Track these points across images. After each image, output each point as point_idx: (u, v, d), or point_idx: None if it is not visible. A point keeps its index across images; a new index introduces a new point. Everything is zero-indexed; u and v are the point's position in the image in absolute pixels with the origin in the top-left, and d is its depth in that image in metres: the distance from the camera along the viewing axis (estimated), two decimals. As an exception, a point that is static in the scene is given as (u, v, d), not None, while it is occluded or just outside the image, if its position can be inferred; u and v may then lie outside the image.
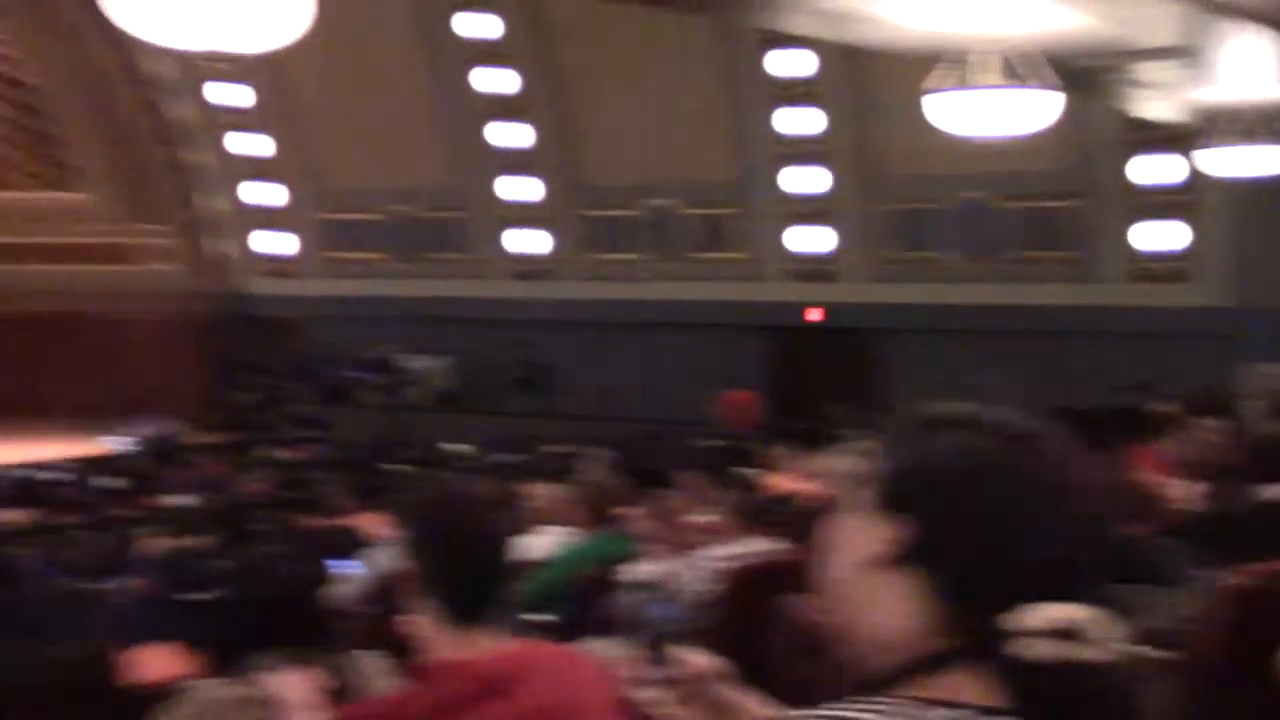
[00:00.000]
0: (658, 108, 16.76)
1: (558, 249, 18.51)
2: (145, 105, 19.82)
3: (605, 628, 3.55)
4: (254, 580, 2.69)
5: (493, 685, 1.98)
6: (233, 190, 20.31)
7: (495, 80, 17.88)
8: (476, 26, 17.55)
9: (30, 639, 1.81)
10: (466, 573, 2.05)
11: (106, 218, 20.44)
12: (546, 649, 2.17)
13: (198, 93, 19.51)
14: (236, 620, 2.66)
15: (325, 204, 19.81)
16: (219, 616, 2.73)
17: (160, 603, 4.04)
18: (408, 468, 11.36)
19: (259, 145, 19.85)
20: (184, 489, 10.56)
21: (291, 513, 7.51)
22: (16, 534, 8.21)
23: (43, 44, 19.61)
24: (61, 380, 19.96)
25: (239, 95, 19.42)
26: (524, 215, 18.52)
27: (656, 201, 17.71)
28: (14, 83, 20.11)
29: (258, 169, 20.06)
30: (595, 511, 4.99)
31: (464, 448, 12.95)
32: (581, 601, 4.21)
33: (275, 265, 20.53)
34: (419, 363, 18.97)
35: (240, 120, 19.71)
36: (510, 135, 18.13)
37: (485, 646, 2.06)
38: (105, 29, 18.70)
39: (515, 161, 18.28)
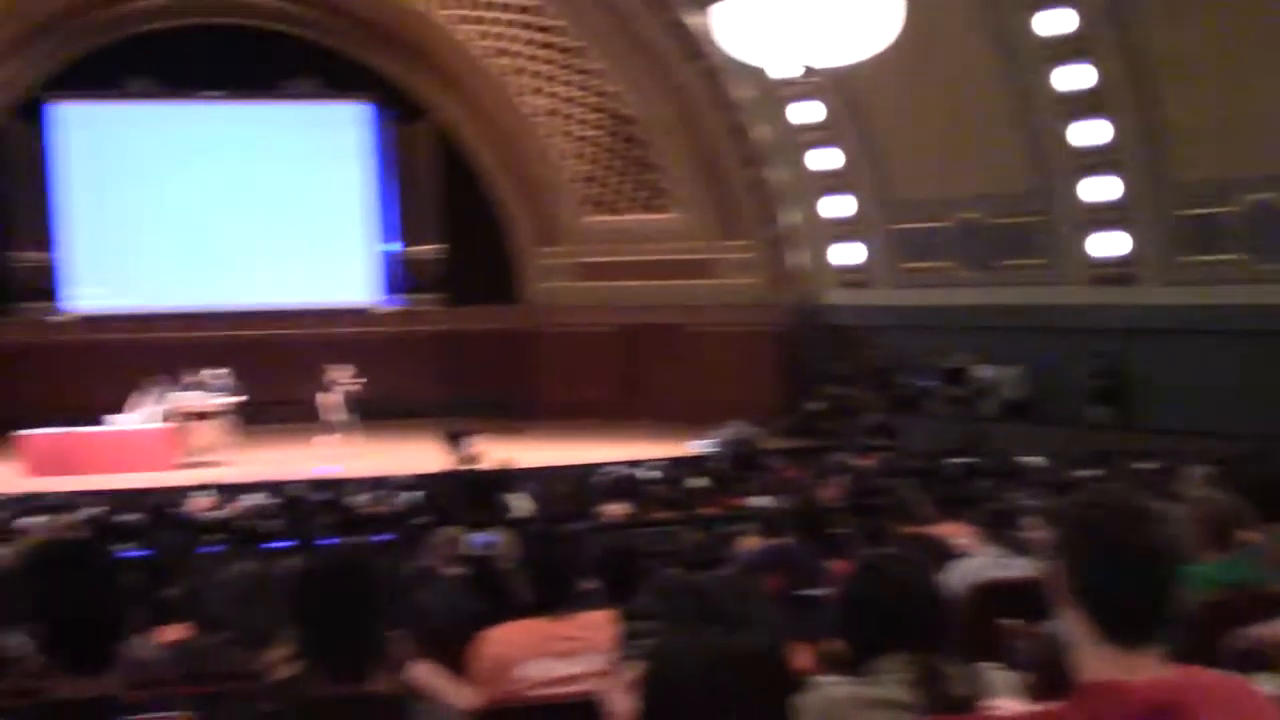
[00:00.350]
0: (1258, 88, 15.17)
1: (1141, 251, 17.30)
2: (731, 129, 21.09)
3: (1242, 660, 3.21)
4: (877, 581, 2.71)
5: (1157, 712, 1.83)
6: (810, 205, 21.02)
7: (1071, 77, 17.05)
8: (1053, 23, 16.83)
9: (707, 628, 1.92)
10: (1122, 587, 1.91)
11: (696, 236, 22.03)
12: (1214, 677, 1.97)
13: (779, 114, 20.40)
14: (859, 620, 2.69)
15: (895, 214, 19.96)
16: (840, 615, 2.78)
17: (778, 598, 4.23)
18: (982, 478, 11.12)
19: (831, 159, 20.40)
20: (763, 491, 11.03)
21: (873, 519, 7.58)
22: (618, 525, 9.00)
23: (640, 78, 21.50)
24: (655, 386, 21.79)
25: (814, 112, 20.07)
26: (1102, 217, 17.52)
27: (1257, 196, 16.02)
28: (616, 115, 22.20)
29: (831, 182, 20.62)
30: (1213, 533, 4.55)
31: (1038, 460, 12.47)
32: (1203, 630, 3.85)
33: (849, 276, 20.99)
34: (988, 371, 18.57)
35: (815, 137, 20.36)
36: (1088, 133, 17.20)
37: (1142, 668, 1.90)
38: (695, 60, 20.21)
39: (1093, 161, 17.34)
